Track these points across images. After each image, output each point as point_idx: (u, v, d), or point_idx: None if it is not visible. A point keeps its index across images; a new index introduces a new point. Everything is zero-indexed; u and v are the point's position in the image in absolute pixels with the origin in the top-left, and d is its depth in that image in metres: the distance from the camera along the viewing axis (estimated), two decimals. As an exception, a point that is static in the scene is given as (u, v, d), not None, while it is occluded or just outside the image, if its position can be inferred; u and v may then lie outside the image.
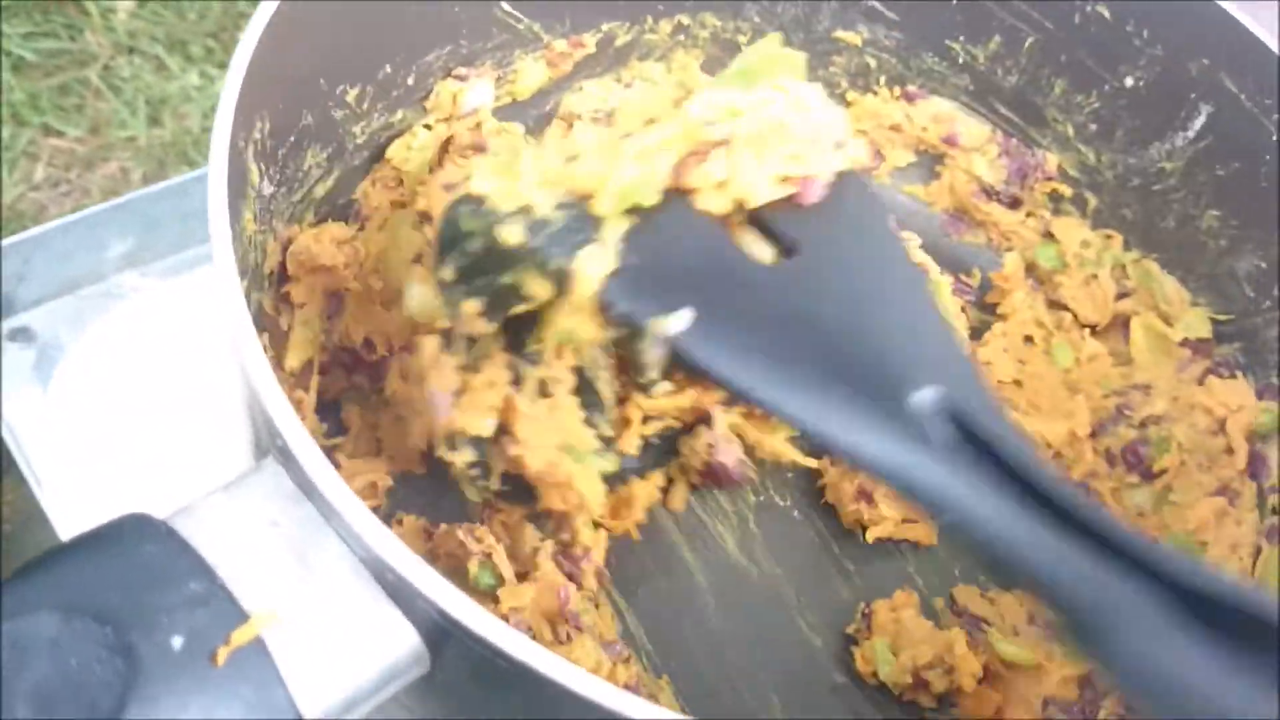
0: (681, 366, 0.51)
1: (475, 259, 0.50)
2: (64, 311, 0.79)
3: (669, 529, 0.66)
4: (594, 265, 0.48)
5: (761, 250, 0.51)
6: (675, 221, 0.49)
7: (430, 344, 0.55)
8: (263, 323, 0.60)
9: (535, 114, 0.74)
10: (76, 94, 1.41)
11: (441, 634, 0.41)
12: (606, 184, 0.49)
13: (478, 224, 0.50)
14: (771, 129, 0.51)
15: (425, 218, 0.65)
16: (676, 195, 0.50)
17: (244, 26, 0.53)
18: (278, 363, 0.61)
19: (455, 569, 0.60)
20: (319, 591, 0.41)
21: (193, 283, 0.80)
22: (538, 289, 0.49)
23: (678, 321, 0.47)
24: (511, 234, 0.48)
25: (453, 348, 0.55)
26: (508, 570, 0.58)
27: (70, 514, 0.68)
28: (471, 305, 0.51)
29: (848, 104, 0.78)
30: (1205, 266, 0.70)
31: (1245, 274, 0.68)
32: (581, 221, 0.48)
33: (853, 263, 0.51)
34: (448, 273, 0.52)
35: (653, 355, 0.49)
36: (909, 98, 0.77)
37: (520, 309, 0.51)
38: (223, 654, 0.38)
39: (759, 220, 0.51)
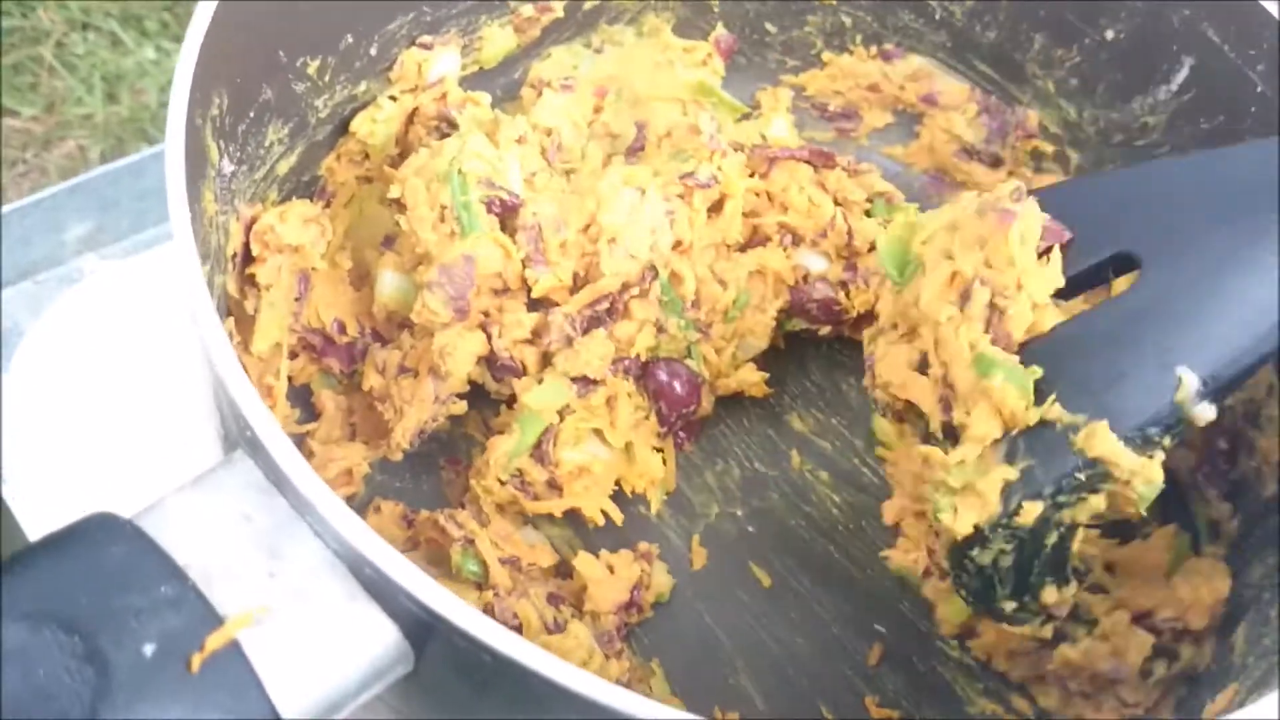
0: None
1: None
2: (22, 297, 0.77)
3: (659, 512, 0.65)
4: None
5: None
6: None
7: None
8: (227, 306, 0.58)
9: (504, 82, 0.72)
10: (30, 72, 1.38)
11: (424, 630, 0.39)
12: None
13: None
14: None
15: (397, 206, 0.62)
16: None
17: (199, -1, 0.50)
18: (244, 347, 0.59)
19: (437, 556, 0.58)
20: (295, 590, 0.39)
21: (153, 262, 0.78)
22: None
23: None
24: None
25: None
26: (492, 556, 0.56)
27: (32, 504, 0.66)
28: None
29: (823, 64, 0.76)
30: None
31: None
32: None
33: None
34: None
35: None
36: (886, 56, 0.75)
37: None
38: (197, 660, 0.36)
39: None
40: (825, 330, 0.68)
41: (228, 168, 0.54)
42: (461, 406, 0.62)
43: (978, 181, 0.74)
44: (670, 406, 0.64)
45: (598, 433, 0.61)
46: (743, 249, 0.67)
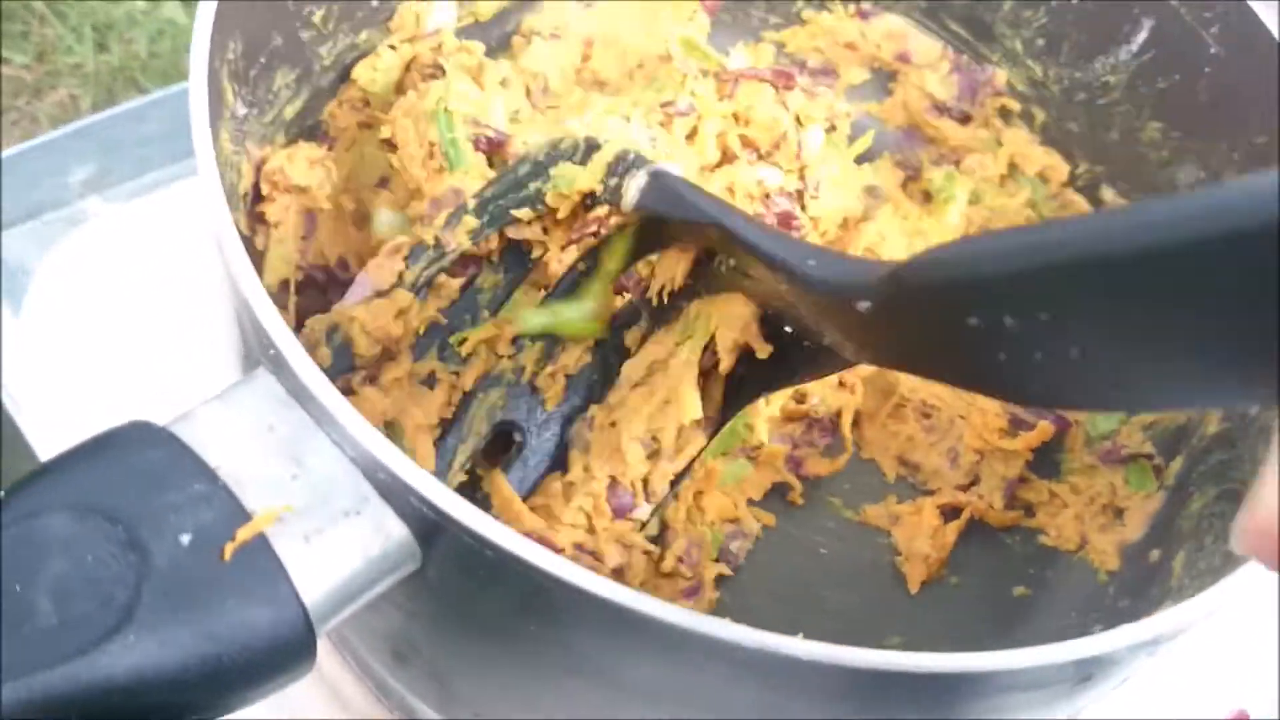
0: None
1: None
2: (29, 237, 0.80)
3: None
4: None
5: None
6: None
7: None
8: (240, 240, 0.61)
9: (497, 34, 0.75)
10: (21, 20, 1.39)
11: (432, 529, 0.43)
12: None
13: None
14: None
15: (389, 146, 0.66)
16: None
17: (189, -50, 0.53)
18: (255, 281, 0.62)
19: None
20: (315, 492, 0.43)
21: (155, 205, 0.81)
22: None
23: None
24: None
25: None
26: None
27: (49, 436, 0.69)
28: None
29: (803, 22, 0.80)
30: (1148, 178, 0.73)
31: (1185, 185, 0.70)
32: None
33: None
34: None
35: None
36: (863, 15, 0.79)
37: None
38: (229, 550, 0.40)
39: None
40: None
41: (241, 110, 0.58)
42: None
43: (947, 137, 0.78)
44: None
45: None
46: (713, 170, 0.70)
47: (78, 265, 0.77)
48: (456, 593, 0.46)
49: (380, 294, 0.54)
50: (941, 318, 0.35)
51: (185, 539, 0.39)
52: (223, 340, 0.52)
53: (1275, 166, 0.64)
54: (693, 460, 0.56)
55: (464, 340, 0.56)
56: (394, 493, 0.43)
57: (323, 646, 0.63)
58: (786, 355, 0.52)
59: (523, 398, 0.57)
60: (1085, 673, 0.46)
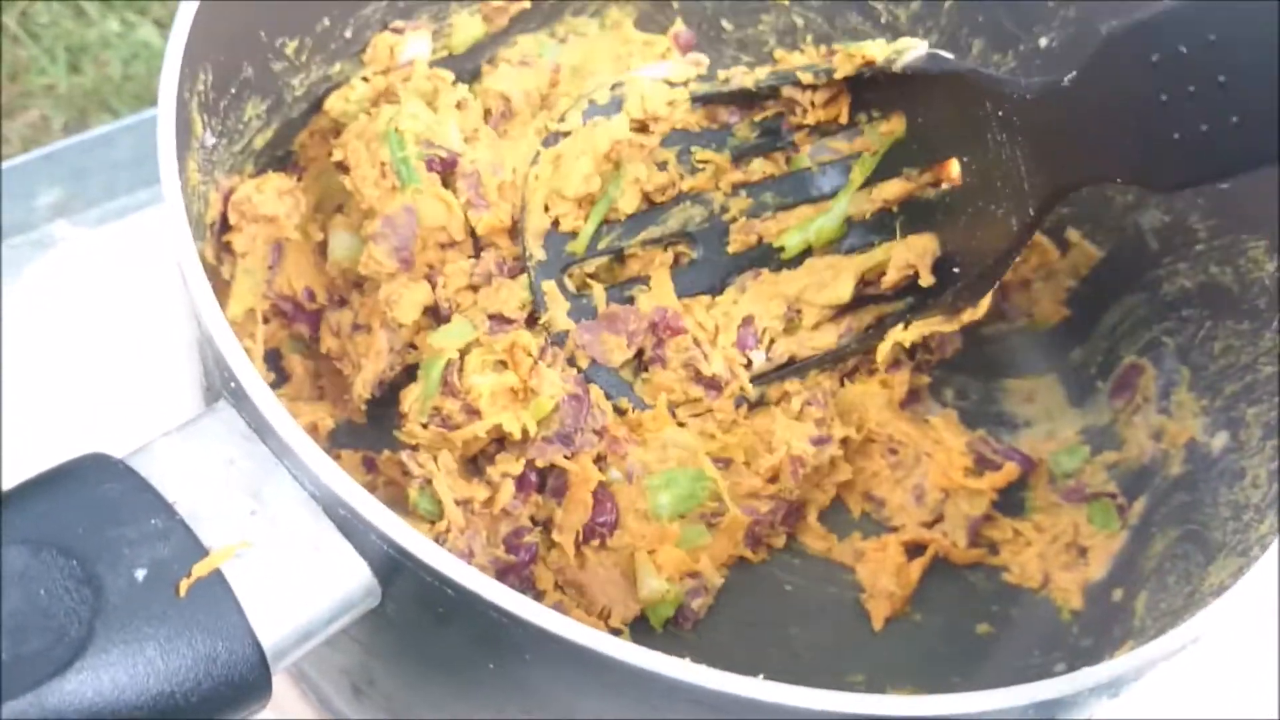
0: None
1: None
2: (-5, 259, 0.80)
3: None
4: None
5: None
6: None
7: None
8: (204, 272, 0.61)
9: (470, 67, 0.75)
10: (-6, 41, 1.39)
11: (392, 566, 0.43)
12: None
13: None
14: None
15: (343, 169, 0.66)
16: None
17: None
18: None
19: (395, 498, 0.62)
20: (274, 527, 0.42)
21: (123, 231, 0.81)
22: None
23: None
24: None
25: None
26: (447, 497, 0.59)
27: (6, 465, 0.69)
28: None
29: (775, 61, 0.80)
30: (1112, 221, 0.73)
31: (1149, 227, 0.71)
32: None
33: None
34: None
35: None
36: (833, 54, 0.79)
37: None
38: (184, 586, 0.40)
39: None
40: None
41: (210, 140, 0.58)
42: (416, 357, 0.65)
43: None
44: None
45: (503, 363, 0.63)
46: None
47: (43, 290, 0.76)
48: (416, 630, 0.46)
49: (669, 82, 0.68)
50: (1137, 55, 0.49)
51: (140, 574, 0.39)
52: (185, 371, 0.51)
53: (1236, 213, 0.65)
54: (803, 364, 0.67)
55: (704, 161, 0.68)
56: (354, 529, 0.42)
57: (281, 679, 0.63)
58: (937, 293, 0.65)
59: (716, 228, 0.68)
60: (1046, 714, 0.46)
